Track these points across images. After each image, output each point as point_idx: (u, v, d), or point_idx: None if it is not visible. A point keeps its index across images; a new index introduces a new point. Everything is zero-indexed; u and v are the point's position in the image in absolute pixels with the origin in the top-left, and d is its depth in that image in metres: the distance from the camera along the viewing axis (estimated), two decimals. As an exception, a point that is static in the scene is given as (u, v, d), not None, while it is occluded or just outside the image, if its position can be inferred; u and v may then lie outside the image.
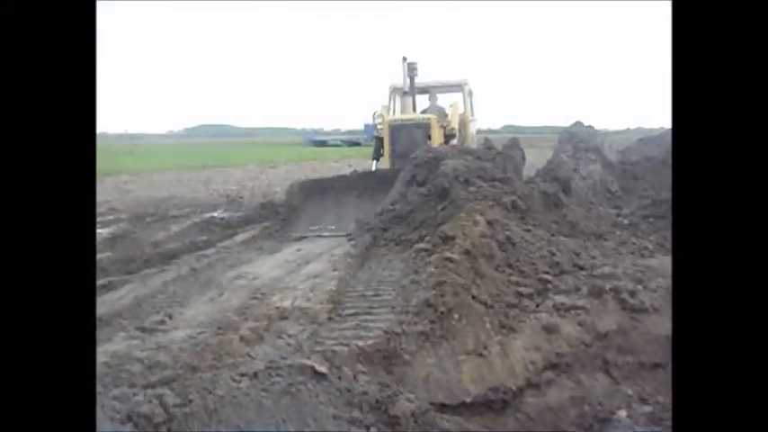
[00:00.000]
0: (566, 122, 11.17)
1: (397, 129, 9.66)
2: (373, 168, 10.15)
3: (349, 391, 3.15)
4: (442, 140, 9.59)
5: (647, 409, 3.61)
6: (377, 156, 10.25)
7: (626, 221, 7.28)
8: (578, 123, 11.02)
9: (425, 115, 10.04)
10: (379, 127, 10.11)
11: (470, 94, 11.59)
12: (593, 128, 10.91)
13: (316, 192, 8.51)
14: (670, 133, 9.82)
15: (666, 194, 7.55)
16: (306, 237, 7.58)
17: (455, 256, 4.50)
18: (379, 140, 10.10)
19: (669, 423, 3.45)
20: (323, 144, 54.01)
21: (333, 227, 7.78)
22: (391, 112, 10.95)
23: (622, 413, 3.54)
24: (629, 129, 66.59)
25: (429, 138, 9.29)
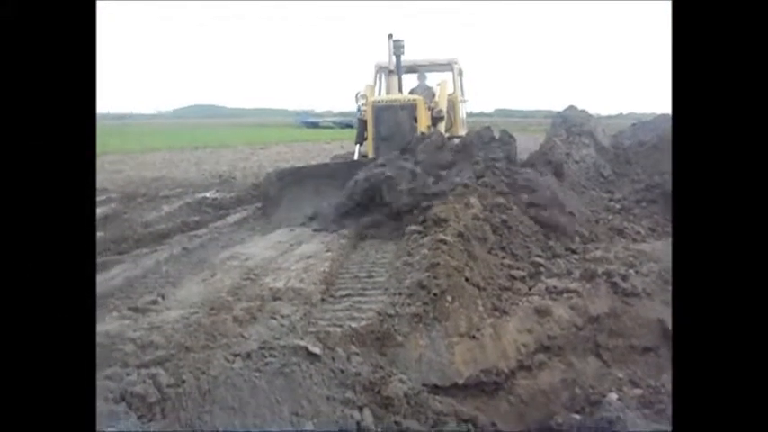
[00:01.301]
0: (558, 107, 11.06)
1: (380, 110, 9.09)
2: (356, 153, 9.64)
3: (342, 372, 3.16)
4: (429, 123, 9.17)
5: (638, 392, 3.64)
6: (360, 139, 9.63)
7: (618, 206, 7.30)
8: (572, 107, 10.93)
9: (411, 96, 9.54)
10: (362, 108, 9.59)
11: (460, 73, 11.16)
12: (586, 112, 10.83)
13: (295, 181, 8.02)
14: (663, 118, 9.81)
15: (659, 179, 7.57)
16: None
17: (448, 239, 4.50)
18: (363, 123, 9.48)
19: (659, 407, 3.49)
20: (315, 125, 53.70)
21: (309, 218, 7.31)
22: (377, 92, 10.42)
23: (613, 396, 3.57)
24: (621, 114, 66.59)
25: (415, 120, 8.90)
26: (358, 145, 9.68)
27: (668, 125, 9.15)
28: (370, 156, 8.91)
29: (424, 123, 8.95)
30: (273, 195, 7.95)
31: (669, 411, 3.42)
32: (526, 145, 10.28)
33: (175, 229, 7.23)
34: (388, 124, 8.97)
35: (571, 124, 9.90)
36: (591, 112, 10.63)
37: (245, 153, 22.71)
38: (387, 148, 8.16)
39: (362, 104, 9.57)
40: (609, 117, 49.21)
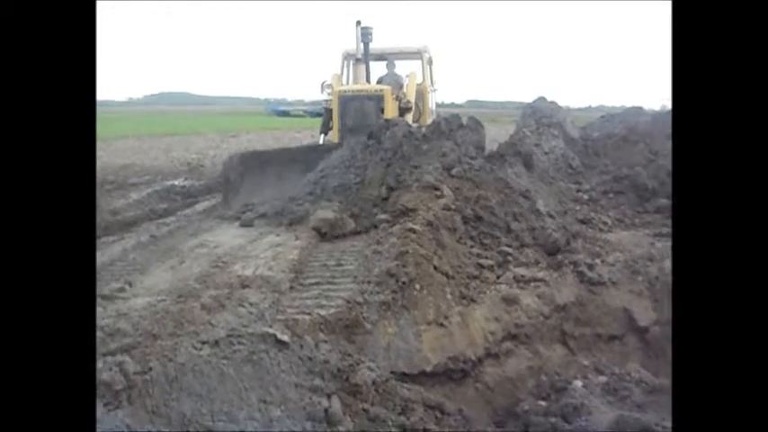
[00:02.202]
0: (529, 99, 11.01)
1: (346, 100, 8.90)
2: (321, 142, 9.55)
3: (311, 359, 3.17)
4: (396, 114, 8.86)
5: (603, 379, 3.71)
6: (325, 129, 9.58)
7: (586, 197, 7.36)
8: (541, 99, 10.94)
9: (378, 86, 9.36)
10: (328, 98, 9.40)
11: (430, 62, 10.93)
12: (556, 103, 10.86)
13: (257, 165, 7.76)
14: (632, 111, 9.89)
15: (627, 171, 7.64)
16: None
17: (417, 227, 4.51)
18: (328, 112, 9.29)
19: (623, 394, 3.55)
20: (285, 114, 53.28)
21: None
22: (344, 81, 10.14)
23: (578, 383, 3.63)
24: (590, 106, 66.98)
25: (382, 111, 8.68)
26: (323, 135, 9.62)
27: (637, 118, 9.25)
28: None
29: (391, 114, 8.78)
30: (234, 180, 7.70)
31: (633, 398, 3.49)
32: (497, 136, 10.31)
33: (143, 216, 7.18)
34: (355, 114, 8.82)
35: (541, 115, 9.89)
36: (561, 103, 10.63)
37: (215, 141, 22.53)
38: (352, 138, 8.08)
39: (329, 94, 9.39)
40: (578, 109, 49.47)
